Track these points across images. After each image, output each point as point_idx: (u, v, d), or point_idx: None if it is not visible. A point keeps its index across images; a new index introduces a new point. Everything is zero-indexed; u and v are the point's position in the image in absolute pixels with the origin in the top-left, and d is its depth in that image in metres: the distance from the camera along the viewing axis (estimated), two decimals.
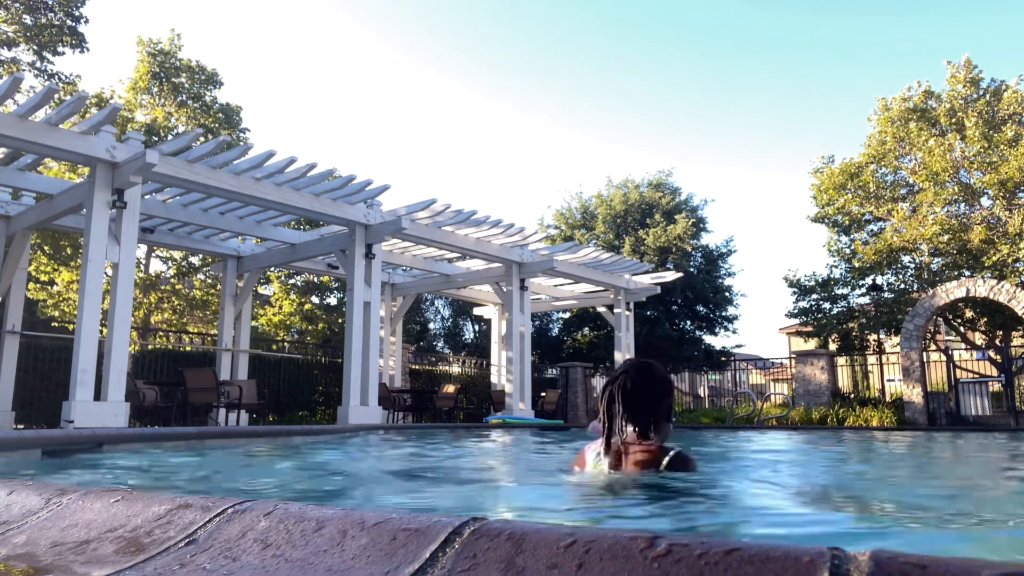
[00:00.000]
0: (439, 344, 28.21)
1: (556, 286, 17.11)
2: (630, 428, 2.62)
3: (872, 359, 19.52)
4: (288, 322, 20.14)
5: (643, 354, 17.93)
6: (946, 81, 18.78)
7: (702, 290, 23.98)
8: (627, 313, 16.45)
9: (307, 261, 13.89)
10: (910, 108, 19.00)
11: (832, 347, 19.99)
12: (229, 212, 11.57)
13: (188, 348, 15.48)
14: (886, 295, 19.40)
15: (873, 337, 20.37)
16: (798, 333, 23.75)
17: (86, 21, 16.34)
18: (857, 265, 19.54)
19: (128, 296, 8.45)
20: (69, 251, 15.75)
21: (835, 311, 20.38)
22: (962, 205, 18.60)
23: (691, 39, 54.70)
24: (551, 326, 26.63)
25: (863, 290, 19.90)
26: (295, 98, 72.74)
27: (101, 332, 8.43)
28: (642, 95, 60.91)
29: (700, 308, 24.95)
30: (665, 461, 2.54)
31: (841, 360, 19.09)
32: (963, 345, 19.30)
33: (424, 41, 65.36)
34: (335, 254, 11.89)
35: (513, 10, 54.58)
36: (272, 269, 17.52)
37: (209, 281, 18.92)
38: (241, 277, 13.62)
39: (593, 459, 2.74)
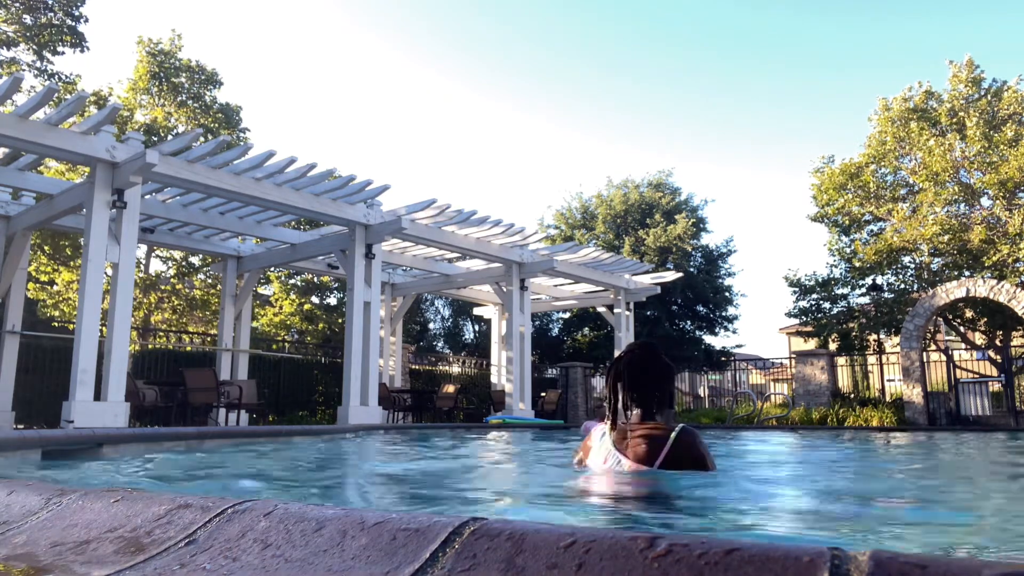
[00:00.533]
0: (439, 344, 28.22)
1: (556, 286, 17.10)
2: (635, 406, 2.64)
3: (872, 359, 19.52)
4: (288, 322, 20.14)
5: None
6: (948, 81, 18.76)
7: (702, 290, 23.99)
8: (627, 313, 16.44)
9: (307, 261, 13.89)
10: (911, 108, 18.99)
11: (832, 347, 19.97)
12: (229, 212, 11.57)
13: (188, 348, 15.48)
14: (886, 295, 19.40)
15: (873, 337, 20.36)
16: (798, 333, 23.74)
17: (86, 21, 16.33)
18: (857, 265, 19.54)
19: (128, 296, 8.45)
20: (69, 251, 15.74)
21: (835, 311, 20.38)
22: (962, 205, 18.59)
23: (691, 39, 54.73)
24: (551, 326, 26.63)
25: (863, 290, 19.90)
26: (295, 98, 72.78)
27: (101, 332, 8.42)
28: (642, 95, 60.95)
29: (700, 308, 24.96)
30: (672, 436, 2.53)
31: (841, 360, 19.09)
32: (963, 345, 19.29)
33: (424, 41, 65.39)
34: (335, 254, 11.89)
35: (513, 10, 54.60)
36: (272, 269, 17.53)
37: (209, 281, 18.92)
38: (241, 277, 13.62)
39: (599, 439, 2.74)
